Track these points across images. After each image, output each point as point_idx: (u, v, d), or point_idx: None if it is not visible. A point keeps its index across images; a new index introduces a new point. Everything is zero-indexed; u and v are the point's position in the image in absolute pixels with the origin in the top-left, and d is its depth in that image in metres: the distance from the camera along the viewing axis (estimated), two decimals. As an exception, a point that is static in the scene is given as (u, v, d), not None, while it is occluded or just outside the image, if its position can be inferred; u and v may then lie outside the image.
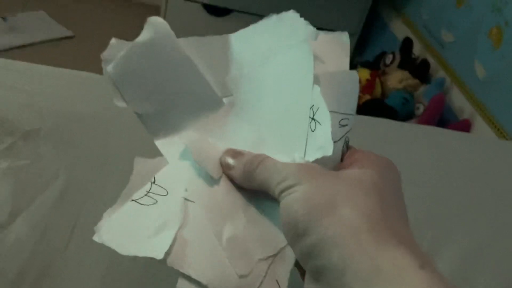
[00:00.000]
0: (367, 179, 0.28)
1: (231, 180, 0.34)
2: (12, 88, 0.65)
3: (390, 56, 1.78)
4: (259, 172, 0.31)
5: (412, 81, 1.67)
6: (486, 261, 0.60)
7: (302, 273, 0.31)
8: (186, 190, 0.33)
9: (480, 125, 1.39)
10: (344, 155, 0.33)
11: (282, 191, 0.28)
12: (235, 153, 0.34)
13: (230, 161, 0.34)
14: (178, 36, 0.37)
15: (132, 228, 0.31)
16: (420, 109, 1.58)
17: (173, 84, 0.37)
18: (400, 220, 0.28)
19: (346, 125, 0.33)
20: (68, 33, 1.99)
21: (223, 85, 0.39)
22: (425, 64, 1.67)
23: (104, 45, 0.36)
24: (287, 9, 0.40)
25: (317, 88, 0.33)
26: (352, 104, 0.34)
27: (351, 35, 0.39)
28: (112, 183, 0.54)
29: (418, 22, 1.79)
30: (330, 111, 0.32)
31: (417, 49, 1.75)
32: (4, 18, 1.96)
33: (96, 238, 0.31)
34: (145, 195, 0.33)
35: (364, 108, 1.55)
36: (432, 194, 0.68)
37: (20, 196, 0.52)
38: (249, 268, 0.30)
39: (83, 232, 0.50)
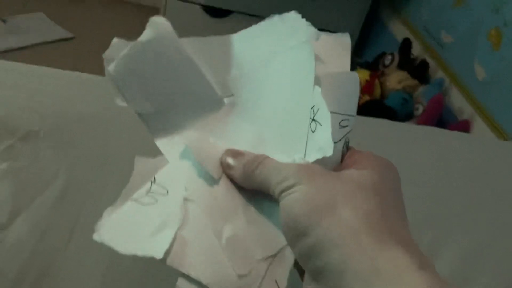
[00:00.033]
0: (366, 180, 0.29)
1: (231, 180, 0.34)
2: (12, 89, 0.65)
3: (389, 56, 1.78)
4: (259, 172, 0.31)
5: (411, 81, 1.67)
6: (486, 261, 0.60)
7: (301, 273, 0.31)
8: (186, 189, 0.33)
9: (479, 125, 1.39)
10: (344, 156, 0.33)
11: (282, 191, 0.28)
12: (235, 153, 0.34)
13: (230, 161, 0.34)
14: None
15: (132, 227, 0.31)
16: (420, 109, 1.58)
17: (174, 84, 0.37)
18: (400, 221, 0.28)
19: (346, 126, 0.33)
20: (68, 34, 1.99)
21: (224, 85, 0.39)
22: (424, 64, 1.67)
23: (104, 46, 0.36)
24: (286, 10, 0.40)
25: (317, 89, 0.33)
26: (353, 105, 0.34)
27: (350, 36, 0.39)
28: (111, 183, 0.54)
29: (417, 23, 1.79)
30: (330, 112, 0.32)
31: (416, 50, 1.76)
32: (3, 20, 1.96)
33: (95, 237, 0.31)
34: (145, 194, 0.33)
35: (363, 109, 1.55)
36: (432, 194, 0.68)
37: (20, 197, 0.52)
38: (248, 268, 0.30)
39: (83, 232, 0.50)
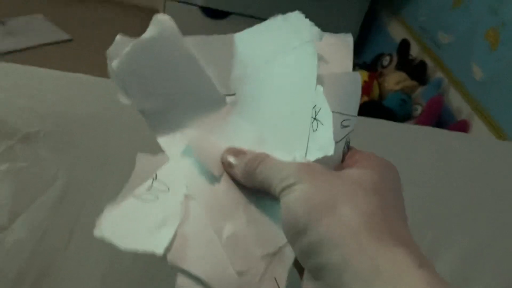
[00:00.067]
0: (367, 180, 0.29)
1: (232, 178, 0.34)
2: (11, 91, 0.65)
3: (388, 57, 1.78)
4: (260, 171, 0.31)
5: (410, 82, 1.67)
6: (486, 261, 0.60)
7: (301, 272, 0.31)
8: (187, 187, 0.33)
9: (478, 125, 1.39)
10: (345, 156, 0.33)
11: (282, 190, 0.28)
12: (237, 152, 0.34)
13: (232, 159, 0.34)
14: None
15: (133, 223, 0.32)
16: (418, 110, 1.59)
17: (176, 82, 0.37)
18: (400, 221, 0.28)
19: (347, 126, 0.33)
20: (67, 36, 1.99)
21: (226, 84, 0.39)
22: (422, 65, 1.68)
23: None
24: (284, 11, 0.40)
25: (320, 88, 0.33)
26: (354, 105, 0.34)
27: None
28: (111, 183, 0.54)
29: (415, 24, 1.79)
30: (332, 112, 0.32)
31: (414, 51, 1.76)
32: (2, 22, 1.96)
33: (96, 232, 0.31)
34: (146, 191, 0.33)
35: (362, 110, 1.54)
36: (431, 194, 0.68)
37: (20, 198, 0.52)
38: (248, 266, 0.30)
39: (83, 232, 0.50)
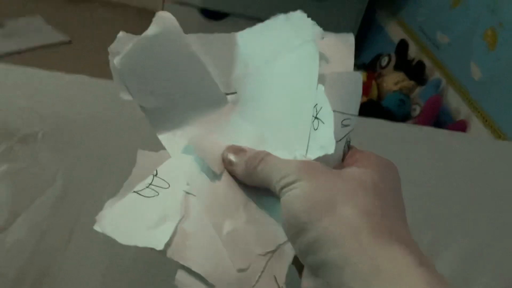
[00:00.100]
0: (367, 179, 0.29)
1: (233, 176, 0.34)
2: (10, 92, 0.65)
3: (386, 58, 1.79)
4: (261, 168, 0.31)
5: (408, 82, 1.67)
6: (486, 261, 0.60)
7: (300, 270, 0.31)
8: (187, 184, 0.34)
9: (476, 126, 1.40)
10: (345, 155, 0.33)
11: (282, 188, 0.29)
12: (237, 150, 0.34)
13: (232, 157, 0.34)
14: None
15: (133, 219, 0.32)
16: (417, 110, 1.59)
17: (178, 79, 0.37)
18: (400, 220, 0.28)
19: (348, 125, 0.33)
20: (65, 38, 1.99)
21: (227, 83, 0.39)
22: (420, 65, 1.68)
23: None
24: (283, 12, 0.40)
25: (321, 87, 0.33)
26: (355, 104, 0.34)
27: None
28: (111, 184, 0.54)
29: (414, 24, 1.80)
30: (333, 111, 0.32)
31: (413, 51, 1.76)
32: (0, 24, 1.96)
33: (97, 227, 0.31)
34: (147, 187, 0.33)
35: (360, 110, 1.54)
36: (431, 194, 0.68)
37: (19, 199, 0.52)
38: (247, 263, 0.31)
39: (83, 232, 0.50)
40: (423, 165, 0.74)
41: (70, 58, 1.88)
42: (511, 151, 0.86)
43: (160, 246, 0.29)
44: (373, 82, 1.71)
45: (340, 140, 0.32)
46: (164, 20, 0.36)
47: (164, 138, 0.37)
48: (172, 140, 0.37)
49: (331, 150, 0.31)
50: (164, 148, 0.37)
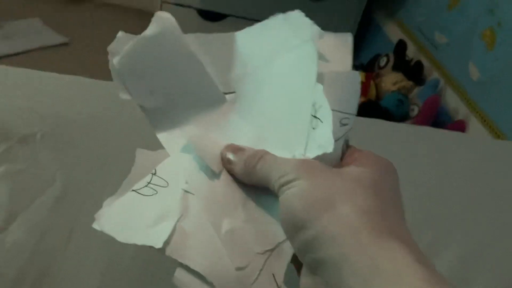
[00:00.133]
0: (366, 178, 0.29)
1: (231, 175, 0.34)
2: (8, 93, 0.65)
3: (384, 58, 1.79)
4: (260, 167, 0.31)
5: (406, 83, 1.68)
6: (486, 261, 0.60)
7: (298, 269, 0.31)
8: (186, 182, 0.34)
9: (475, 126, 1.40)
10: (344, 154, 0.34)
11: (281, 186, 0.29)
12: (236, 149, 0.34)
13: (231, 156, 0.34)
14: None
15: (132, 217, 0.32)
16: (415, 110, 1.59)
17: (177, 79, 0.38)
18: (398, 219, 0.28)
19: (347, 124, 0.33)
20: (64, 40, 1.99)
21: (226, 82, 0.39)
22: (419, 66, 1.68)
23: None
24: (281, 12, 0.40)
25: (320, 86, 0.33)
26: (353, 103, 0.34)
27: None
28: (110, 184, 0.53)
29: (412, 24, 1.80)
30: (332, 110, 0.32)
31: (411, 51, 1.77)
32: (-1, 26, 1.96)
33: (96, 226, 0.31)
34: (146, 185, 0.34)
35: (359, 110, 1.54)
36: (430, 194, 0.68)
37: (18, 199, 0.52)
38: (246, 261, 0.31)
39: (82, 233, 0.50)
40: (422, 165, 0.74)
41: (69, 60, 1.89)
42: (510, 150, 0.86)
43: (158, 244, 0.29)
44: (372, 82, 1.71)
45: (339, 139, 0.32)
46: (163, 20, 0.36)
47: (163, 137, 0.37)
48: (171, 139, 0.37)
49: (329, 149, 0.31)
50: (163, 147, 0.37)
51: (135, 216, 0.32)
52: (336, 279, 0.25)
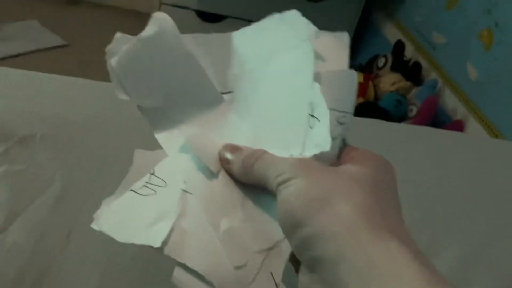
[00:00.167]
0: (363, 176, 0.29)
1: (229, 174, 0.34)
2: (7, 94, 0.65)
3: (383, 59, 1.79)
4: (257, 166, 0.31)
5: (405, 83, 1.68)
6: (485, 261, 0.60)
7: (296, 267, 0.31)
8: (184, 182, 0.34)
9: (473, 126, 1.40)
10: (341, 153, 0.34)
11: (279, 185, 0.29)
12: (234, 148, 0.34)
13: (229, 156, 0.34)
14: None
15: (131, 217, 0.32)
16: (413, 111, 1.59)
17: (175, 79, 0.38)
18: (395, 216, 0.28)
19: (344, 123, 0.33)
20: (62, 41, 1.99)
21: (224, 82, 0.39)
22: (417, 66, 1.69)
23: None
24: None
25: (316, 86, 0.34)
26: (350, 102, 0.34)
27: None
28: (109, 185, 0.53)
29: (410, 25, 1.80)
30: (329, 109, 0.32)
31: (409, 52, 1.77)
32: (-4, 28, 1.96)
33: (94, 225, 0.31)
34: (144, 185, 0.34)
35: (357, 111, 1.55)
36: (429, 194, 0.68)
37: (18, 199, 0.52)
38: (244, 260, 0.31)
39: (81, 233, 0.50)
40: (421, 165, 0.74)
41: (68, 61, 1.89)
42: (508, 150, 0.86)
43: (157, 244, 0.29)
44: (370, 83, 1.72)
45: (336, 137, 0.32)
46: (161, 21, 0.36)
47: (161, 137, 0.37)
48: (169, 139, 0.37)
49: (327, 147, 0.31)
50: (161, 147, 0.37)
51: (133, 216, 0.32)
52: (334, 276, 0.25)
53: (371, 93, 1.71)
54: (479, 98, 1.40)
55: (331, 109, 0.32)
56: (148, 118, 0.38)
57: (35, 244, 0.48)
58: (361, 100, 1.67)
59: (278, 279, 0.31)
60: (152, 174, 0.35)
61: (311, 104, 0.33)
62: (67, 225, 0.51)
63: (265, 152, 0.32)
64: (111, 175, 0.55)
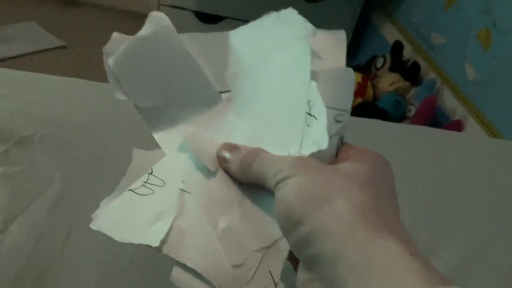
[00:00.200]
0: (360, 173, 0.29)
1: (228, 173, 0.34)
2: (6, 95, 0.65)
3: (381, 59, 1.79)
4: (255, 165, 0.31)
5: (403, 83, 1.68)
6: (484, 260, 0.60)
7: (295, 265, 0.31)
8: (183, 181, 0.34)
9: (472, 125, 1.40)
10: (339, 150, 0.34)
11: (277, 183, 0.29)
12: (232, 147, 0.34)
13: (227, 155, 0.34)
14: None
15: (129, 216, 0.32)
16: (412, 111, 1.59)
17: (172, 79, 0.38)
18: (392, 213, 0.28)
19: (341, 121, 0.33)
20: (60, 43, 1.99)
21: (221, 81, 0.39)
22: (415, 66, 1.69)
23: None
24: (276, 14, 0.40)
25: (313, 84, 0.34)
26: (348, 100, 0.34)
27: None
28: (108, 186, 0.54)
29: (408, 25, 1.80)
30: (326, 107, 0.32)
31: (408, 52, 1.77)
32: (-5, 29, 1.96)
33: (93, 225, 0.31)
34: (142, 185, 0.34)
35: (356, 111, 1.56)
36: (428, 193, 0.68)
37: (17, 200, 0.52)
38: (243, 259, 0.31)
39: (81, 234, 0.50)
40: (420, 164, 0.74)
41: (66, 63, 1.89)
42: (507, 149, 0.86)
43: (155, 243, 0.30)
44: (369, 83, 1.72)
45: (334, 135, 0.32)
46: (158, 20, 0.36)
47: (159, 136, 0.38)
48: (167, 138, 0.37)
49: (324, 145, 0.31)
50: (159, 147, 0.37)
51: (132, 216, 0.32)
52: (331, 274, 0.25)
53: (369, 93, 1.71)
54: (477, 98, 1.40)
55: (328, 107, 0.32)
56: (146, 117, 0.38)
57: (35, 244, 0.48)
58: (359, 100, 1.67)
59: (277, 277, 0.31)
60: (151, 173, 0.35)
61: (308, 102, 0.33)
62: (67, 225, 0.51)
63: (263, 150, 0.32)
64: (111, 176, 0.55)
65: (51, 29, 2.05)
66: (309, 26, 0.37)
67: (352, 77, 0.35)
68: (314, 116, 0.33)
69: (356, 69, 1.86)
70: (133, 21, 2.19)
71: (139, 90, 0.37)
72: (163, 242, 0.30)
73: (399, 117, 1.62)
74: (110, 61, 0.36)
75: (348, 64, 0.37)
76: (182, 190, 0.33)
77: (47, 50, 1.94)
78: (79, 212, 0.52)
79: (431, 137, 0.83)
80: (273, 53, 0.38)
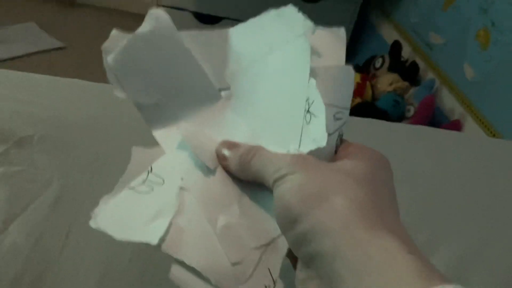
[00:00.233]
0: (359, 171, 0.29)
1: (227, 171, 0.34)
2: (5, 96, 0.65)
3: (380, 59, 1.79)
4: (254, 163, 0.31)
5: (402, 83, 1.68)
6: (483, 260, 0.60)
7: (294, 263, 0.31)
8: (182, 179, 0.34)
9: (470, 125, 1.40)
10: (338, 148, 0.34)
11: (275, 181, 0.29)
12: (231, 145, 0.34)
13: (226, 152, 0.34)
14: None
15: (128, 214, 0.32)
16: (411, 111, 1.60)
17: (172, 76, 0.38)
18: (391, 211, 0.28)
19: (340, 118, 0.33)
20: (60, 44, 1.99)
21: (221, 79, 0.39)
22: (414, 66, 1.69)
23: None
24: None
25: (313, 81, 0.33)
26: (347, 98, 0.34)
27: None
28: (107, 187, 0.54)
29: (407, 25, 1.81)
30: (325, 104, 0.32)
31: (406, 52, 1.77)
32: (-6, 30, 1.96)
33: (92, 223, 0.31)
34: (142, 183, 0.34)
35: (355, 111, 1.56)
36: (427, 193, 0.68)
37: (16, 201, 0.52)
38: (242, 256, 0.31)
39: (80, 234, 0.50)
40: (420, 164, 0.74)
41: (66, 64, 1.89)
42: (505, 149, 0.86)
43: (154, 241, 0.30)
44: (368, 83, 1.72)
45: (333, 133, 0.32)
46: (157, 18, 0.36)
47: (158, 134, 0.37)
48: (167, 136, 0.37)
49: (323, 143, 0.31)
50: (159, 145, 0.37)
51: (131, 214, 0.32)
52: (330, 272, 0.25)
53: (368, 94, 1.71)
54: (476, 97, 1.40)
55: (327, 104, 0.32)
56: (145, 115, 0.38)
57: (34, 244, 0.48)
58: (358, 100, 1.67)
59: (276, 275, 0.31)
60: (150, 171, 0.35)
61: (308, 100, 0.33)
62: (66, 225, 0.51)
63: (262, 148, 0.32)
64: (110, 176, 0.54)
65: (51, 30, 2.05)
66: (309, 24, 0.37)
67: (351, 75, 0.35)
68: (313, 114, 0.33)
69: (355, 69, 1.85)
70: (132, 22, 2.18)
71: (139, 88, 0.37)
72: (162, 240, 0.30)
73: (398, 117, 1.62)
74: (109, 59, 0.36)
75: (346, 62, 0.37)
76: (182, 188, 0.33)
77: (47, 51, 1.95)
78: (78, 212, 0.52)
79: (430, 137, 0.83)
80: (273, 50, 0.38)
